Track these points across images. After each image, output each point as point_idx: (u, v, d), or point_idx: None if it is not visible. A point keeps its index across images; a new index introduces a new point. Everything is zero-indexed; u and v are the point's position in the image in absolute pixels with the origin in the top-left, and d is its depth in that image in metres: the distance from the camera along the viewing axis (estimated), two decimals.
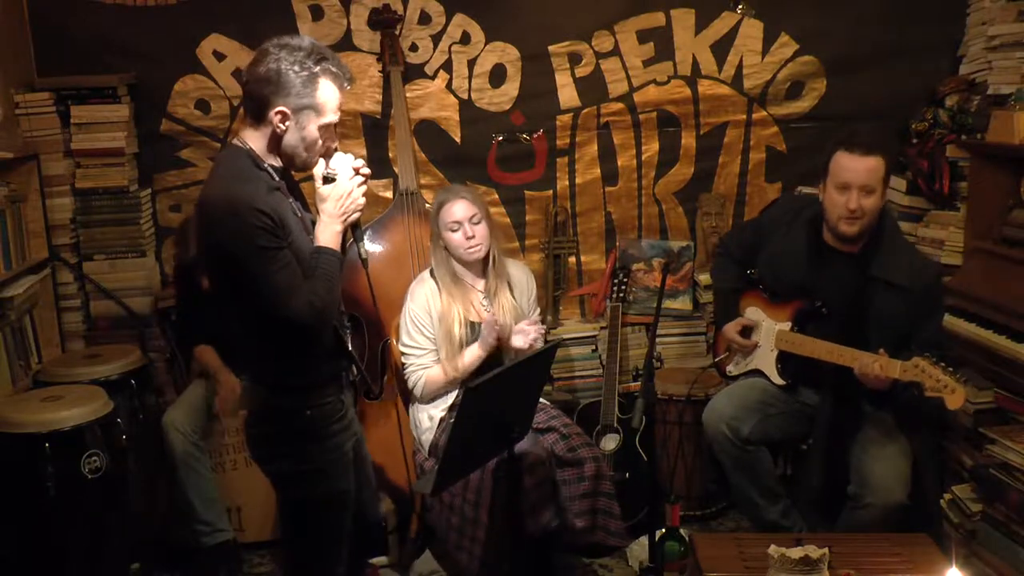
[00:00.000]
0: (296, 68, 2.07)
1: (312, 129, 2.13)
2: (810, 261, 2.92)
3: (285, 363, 2.15)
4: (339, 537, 2.28)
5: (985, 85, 3.45)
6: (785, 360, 2.99)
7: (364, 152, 3.77)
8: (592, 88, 3.87)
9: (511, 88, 3.84)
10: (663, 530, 2.69)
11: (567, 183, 3.97)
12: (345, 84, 2.16)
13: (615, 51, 3.84)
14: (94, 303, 3.68)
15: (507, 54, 3.80)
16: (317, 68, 2.09)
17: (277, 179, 2.15)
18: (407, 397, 3.14)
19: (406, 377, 3.06)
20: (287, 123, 2.11)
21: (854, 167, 2.74)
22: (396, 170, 3.74)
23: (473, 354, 2.99)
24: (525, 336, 2.99)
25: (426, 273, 3.10)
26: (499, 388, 2.40)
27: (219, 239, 2.04)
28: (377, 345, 3.41)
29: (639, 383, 2.79)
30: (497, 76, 3.83)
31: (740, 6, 3.80)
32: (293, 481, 2.22)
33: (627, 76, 3.86)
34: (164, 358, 3.66)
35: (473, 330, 3.02)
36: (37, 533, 2.84)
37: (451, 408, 3.00)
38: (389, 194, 3.84)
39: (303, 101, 2.09)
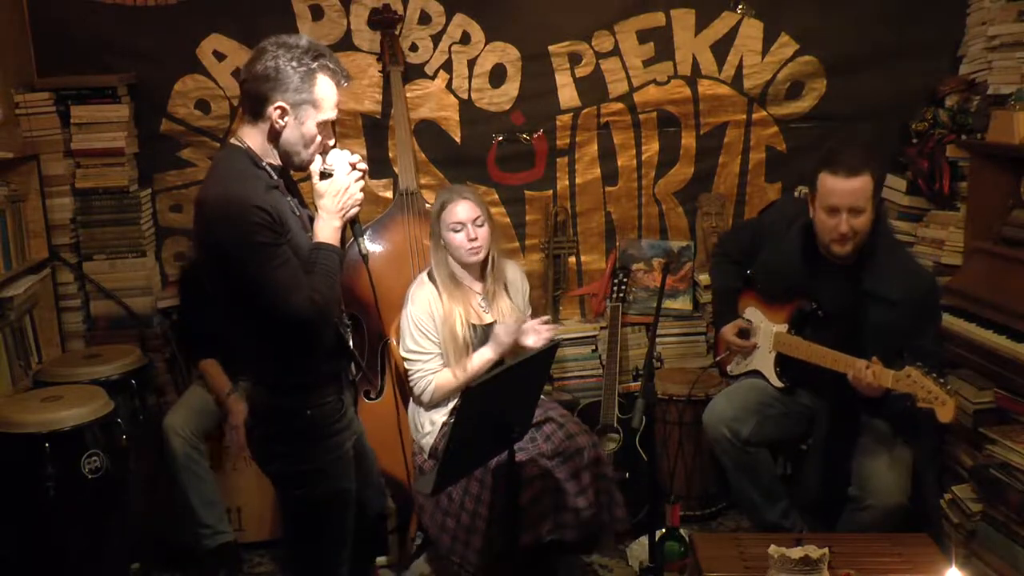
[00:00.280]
0: (294, 64, 2.08)
1: (311, 125, 2.14)
2: (805, 271, 2.91)
3: (286, 363, 2.15)
4: (342, 537, 2.28)
5: (985, 85, 3.45)
6: (783, 363, 2.99)
7: (364, 152, 3.76)
8: (592, 88, 3.86)
9: (511, 88, 3.83)
10: (663, 530, 2.69)
11: (567, 183, 3.97)
12: (342, 82, 2.17)
13: (615, 51, 3.83)
14: (94, 303, 3.67)
15: (507, 54, 3.80)
16: (315, 64, 2.11)
17: (275, 177, 2.16)
18: (406, 398, 3.13)
19: (413, 384, 3.00)
20: (286, 119, 2.11)
21: (840, 189, 2.69)
22: (396, 170, 3.74)
23: (483, 357, 2.95)
24: (538, 336, 2.96)
25: (424, 276, 3.08)
26: (499, 388, 2.40)
27: (218, 237, 2.04)
28: (377, 345, 3.41)
29: (639, 383, 2.79)
30: (497, 76, 3.83)
31: (740, 6, 3.80)
32: (294, 481, 2.22)
33: (627, 76, 3.86)
34: (164, 358, 3.65)
35: (475, 332, 3.01)
36: (37, 533, 2.83)
37: (452, 412, 2.97)
38: (389, 194, 3.83)
39: (302, 96, 2.10)
